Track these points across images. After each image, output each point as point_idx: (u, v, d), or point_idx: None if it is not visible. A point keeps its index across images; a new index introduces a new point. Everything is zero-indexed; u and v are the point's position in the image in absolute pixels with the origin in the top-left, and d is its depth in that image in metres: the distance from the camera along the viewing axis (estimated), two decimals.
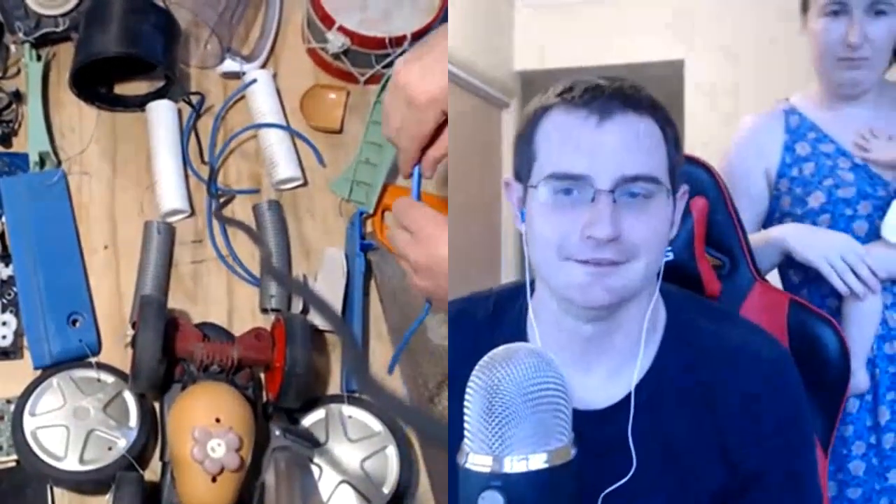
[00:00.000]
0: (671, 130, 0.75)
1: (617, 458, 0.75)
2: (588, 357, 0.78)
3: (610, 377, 0.78)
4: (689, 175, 1.14)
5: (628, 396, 0.77)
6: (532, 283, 0.83)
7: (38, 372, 0.99)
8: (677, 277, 1.06)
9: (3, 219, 1.06)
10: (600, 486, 0.75)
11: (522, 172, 0.77)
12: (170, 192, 1.13)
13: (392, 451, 1.00)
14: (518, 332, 0.81)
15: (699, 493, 0.76)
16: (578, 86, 0.73)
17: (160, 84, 1.20)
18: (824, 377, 1.06)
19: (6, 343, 1.02)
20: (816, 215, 1.18)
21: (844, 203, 1.17)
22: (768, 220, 1.25)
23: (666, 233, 0.74)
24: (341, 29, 1.20)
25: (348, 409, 1.03)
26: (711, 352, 0.78)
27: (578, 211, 0.71)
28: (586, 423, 0.70)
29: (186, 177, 1.16)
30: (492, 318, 0.83)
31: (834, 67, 1.16)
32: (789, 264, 1.20)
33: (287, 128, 1.22)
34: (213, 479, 0.87)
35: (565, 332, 0.77)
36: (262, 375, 1.01)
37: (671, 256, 1.09)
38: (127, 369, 0.96)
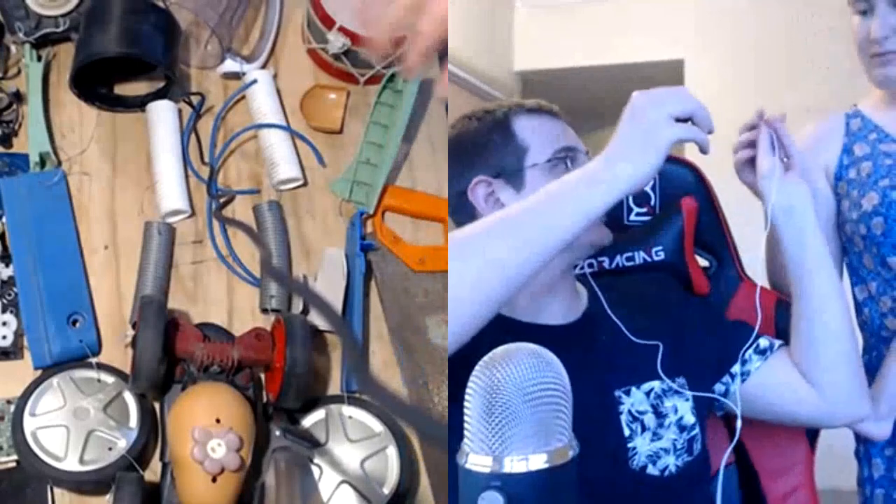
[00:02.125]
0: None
1: (583, 359, 0.92)
2: (545, 301, 0.98)
3: (569, 305, 1.00)
4: (676, 175, 1.14)
5: (584, 313, 1.00)
6: None
7: (39, 372, 0.99)
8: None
9: (4, 219, 1.06)
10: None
11: (508, 164, 0.96)
12: (170, 193, 1.13)
13: (392, 452, 1.01)
14: None
15: (652, 369, 0.97)
16: (525, 103, 1.00)
17: (160, 84, 1.20)
18: None
19: (6, 343, 1.02)
20: (870, 218, 1.13)
21: None
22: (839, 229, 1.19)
23: None
24: (341, 29, 1.20)
25: (348, 410, 1.03)
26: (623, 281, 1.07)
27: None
28: (560, 334, 0.96)
29: (187, 177, 1.16)
30: None
31: (869, 65, 1.13)
32: (855, 282, 1.18)
33: (287, 128, 1.22)
34: (214, 480, 0.87)
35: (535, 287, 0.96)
36: (263, 376, 1.01)
37: (662, 256, 1.10)
38: (127, 369, 0.96)
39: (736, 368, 1.00)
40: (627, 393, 0.95)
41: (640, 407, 0.95)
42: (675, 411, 0.96)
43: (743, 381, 1.00)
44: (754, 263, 1.15)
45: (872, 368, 1.13)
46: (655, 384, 0.96)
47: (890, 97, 1.17)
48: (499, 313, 0.96)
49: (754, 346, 1.00)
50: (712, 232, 1.14)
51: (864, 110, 1.20)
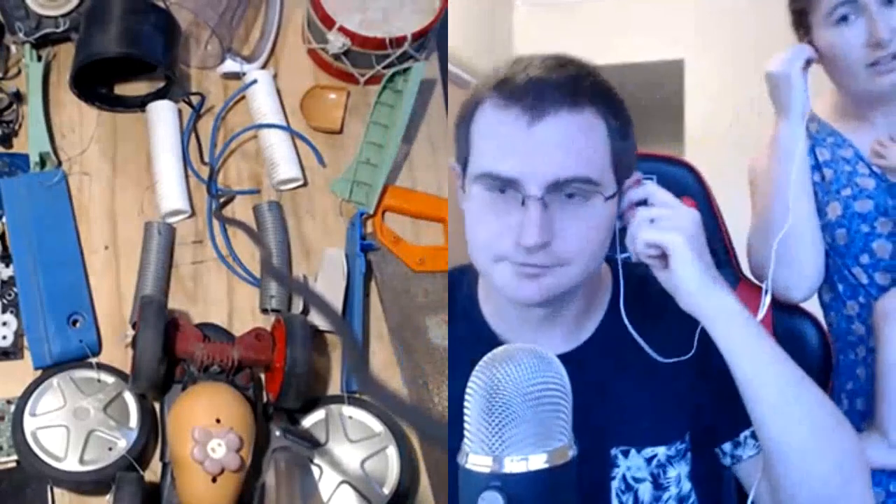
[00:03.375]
0: (617, 121, 0.74)
1: (576, 400, 0.79)
2: (542, 328, 0.82)
3: (568, 335, 0.83)
4: (674, 177, 1.14)
5: (587, 341, 0.83)
6: None
7: (39, 372, 0.99)
8: None
9: (4, 219, 1.06)
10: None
11: (461, 162, 0.77)
12: (170, 193, 1.13)
13: (392, 452, 1.00)
14: (470, 311, 0.86)
15: (661, 427, 0.81)
16: (515, 76, 0.71)
17: (160, 84, 1.20)
18: (807, 369, 1.08)
19: (6, 343, 1.02)
20: (833, 229, 1.08)
21: (860, 218, 1.06)
22: None
23: (605, 233, 0.75)
24: (341, 29, 1.20)
25: (348, 410, 1.03)
26: (662, 295, 0.78)
27: (510, 212, 0.72)
28: None
29: (187, 177, 1.16)
30: (449, 298, 0.88)
31: (868, 77, 1.01)
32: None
33: (287, 128, 1.22)
34: (214, 480, 0.87)
35: (515, 311, 0.82)
36: (263, 376, 1.01)
37: None
38: (127, 370, 0.96)
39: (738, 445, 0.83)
40: (626, 454, 0.80)
41: (637, 474, 0.80)
42: (678, 482, 0.81)
43: (733, 464, 0.83)
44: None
45: (841, 372, 1.11)
46: (661, 450, 0.80)
47: (846, 101, 1.10)
48: (496, 335, 0.84)
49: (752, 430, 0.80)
50: (710, 232, 1.14)
51: (819, 114, 1.12)
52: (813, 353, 1.12)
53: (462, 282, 0.88)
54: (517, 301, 0.76)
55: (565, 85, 0.71)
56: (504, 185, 0.71)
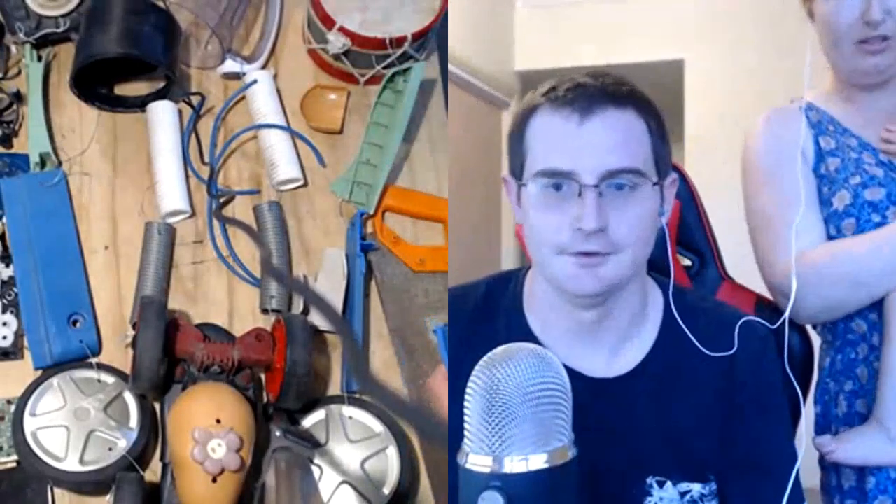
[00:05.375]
0: (655, 122, 0.79)
1: (618, 425, 0.81)
2: (589, 338, 0.84)
3: (612, 354, 0.84)
4: None
5: (633, 370, 0.83)
6: (525, 271, 0.89)
7: (39, 372, 0.99)
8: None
9: (4, 219, 1.06)
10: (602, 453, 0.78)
11: (516, 170, 0.81)
12: (170, 193, 1.13)
13: (392, 452, 1.00)
14: (514, 321, 0.86)
15: (698, 462, 0.83)
16: (562, 85, 0.78)
17: (161, 84, 1.20)
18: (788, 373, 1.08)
19: (7, 343, 1.02)
20: (840, 219, 1.03)
21: (871, 207, 1.01)
22: None
23: (652, 222, 0.79)
24: (342, 30, 1.20)
25: (349, 410, 1.03)
26: (713, 327, 0.85)
27: (567, 206, 0.76)
28: (593, 389, 0.78)
29: (187, 177, 1.16)
30: (483, 308, 0.88)
31: (853, 54, 1.00)
32: None
33: (287, 128, 1.22)
34: (214, 480, 0.87)
35: (564, 318, 0.83)
36: (263, 376, 1.01)
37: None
38: (127, 370, 0.96)
39: None
40: (661, 485, 0.82)
41: None
42: None
43: None
44: (737, 264, 1.16)
45: (836, 372, 1.08)
46: (696, 487, 0.81)
47: (842, 88, 1.07)
48: (539, 343, 0.84)
49: None
50: (695, 232, 1.16)
51: (815, 102, 1.09)
52: (794, 358, 1.11)
53: (506, 287, 0.89)
54: (577, 294, 0.79)
55: (609, 87, 0.77)
56: (560, 180, 0.76)
